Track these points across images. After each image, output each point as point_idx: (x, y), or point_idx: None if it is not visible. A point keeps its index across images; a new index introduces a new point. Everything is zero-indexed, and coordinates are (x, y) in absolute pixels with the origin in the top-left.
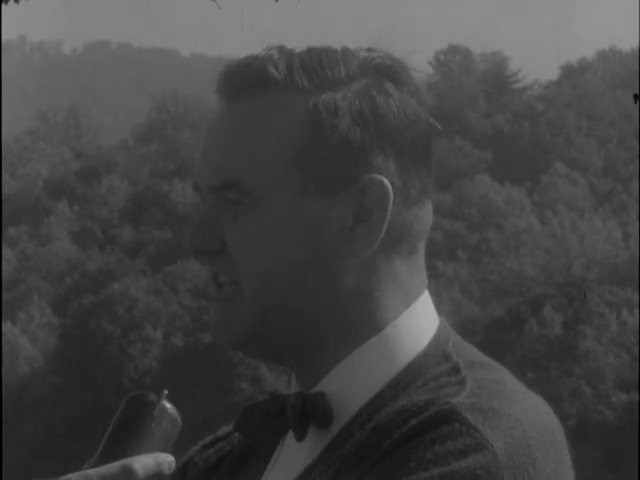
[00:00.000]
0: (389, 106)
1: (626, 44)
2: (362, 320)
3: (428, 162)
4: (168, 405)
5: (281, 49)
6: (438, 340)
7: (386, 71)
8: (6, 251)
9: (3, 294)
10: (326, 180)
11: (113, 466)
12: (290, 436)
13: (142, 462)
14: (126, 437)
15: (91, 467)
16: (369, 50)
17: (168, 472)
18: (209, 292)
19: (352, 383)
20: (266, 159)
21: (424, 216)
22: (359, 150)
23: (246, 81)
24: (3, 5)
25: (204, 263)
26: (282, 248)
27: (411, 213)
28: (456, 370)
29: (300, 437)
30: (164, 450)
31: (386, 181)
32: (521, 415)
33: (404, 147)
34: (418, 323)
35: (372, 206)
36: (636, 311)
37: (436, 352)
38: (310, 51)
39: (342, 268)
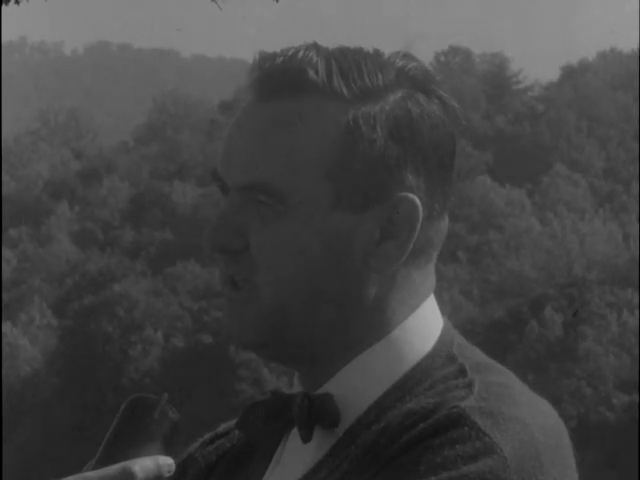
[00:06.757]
0: (424, 121)
1: (626, 45)
2: (374, 327)
3: (451, 175)
4: (169, 408)
5: (318, 50)
6: (442, 342)
7: (421, 83)
8: (6, 252)
9: (3, 295)
10: (358, 195)
11: (113, 468)
12: (293, 436)
13: (142, 464)
14: (126, 439)
15: (91, 469)
16: (405, 57)
17: (168, 475)
18: (224, 291)
19: (358, 384)
20: (302, 167)
21: (442, 228)
22: (394, 167)
23: (283, 81)
24: (3, 6)
25: (219, 262)
26: (308, 258)
27: (432, 227)
28: (462, 373)
29: (306, 438)
30: (164, 453)
31: (417, 201)
32: (529, 419)
33: (434, 164)
34: (424, 325)
35: (401, 224)
36: (636, 312)
37: (441, 353)
38: (346, 54)
39: (364, 281)
